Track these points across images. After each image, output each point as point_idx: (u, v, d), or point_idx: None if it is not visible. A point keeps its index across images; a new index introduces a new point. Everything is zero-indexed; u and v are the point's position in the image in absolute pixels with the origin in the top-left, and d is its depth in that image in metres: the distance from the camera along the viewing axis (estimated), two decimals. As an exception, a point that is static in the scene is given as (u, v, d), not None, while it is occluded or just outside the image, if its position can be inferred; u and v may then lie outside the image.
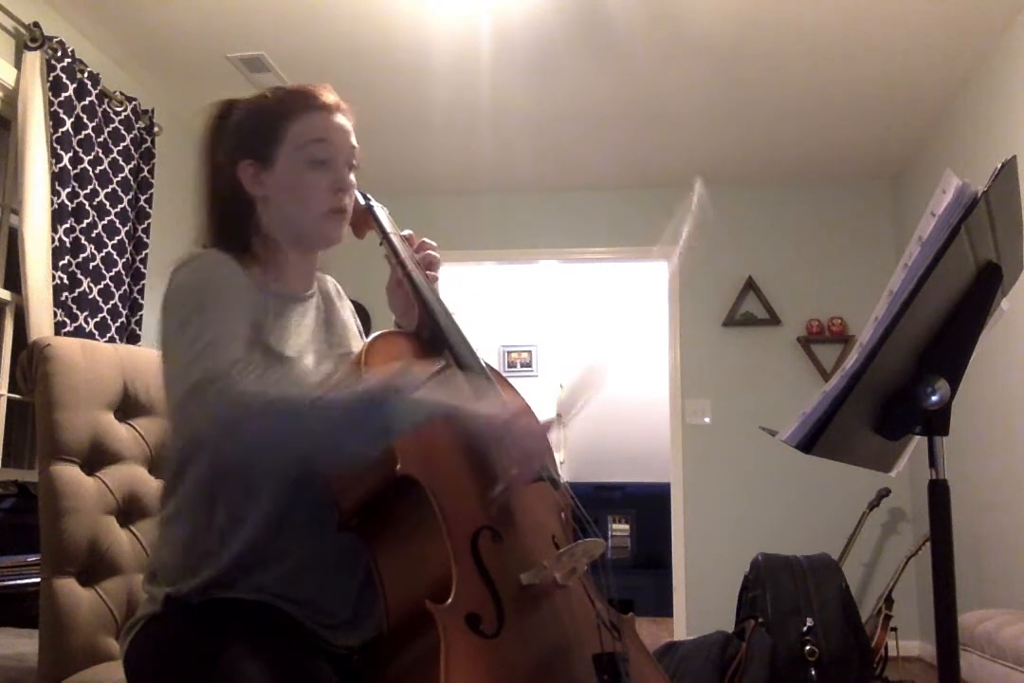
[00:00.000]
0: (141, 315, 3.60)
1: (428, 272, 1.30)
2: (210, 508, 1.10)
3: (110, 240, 3.45)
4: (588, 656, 1.04)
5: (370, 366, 1.06)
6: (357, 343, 1.30)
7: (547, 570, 1.03)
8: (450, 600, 0.92)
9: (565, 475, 1.20)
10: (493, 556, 1.01)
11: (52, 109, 3.15)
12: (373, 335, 1.15)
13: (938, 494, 1.07)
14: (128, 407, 1.48)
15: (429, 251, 1.33)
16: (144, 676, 1.08)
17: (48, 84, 3.15)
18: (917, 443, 1.23)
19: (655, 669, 1.20)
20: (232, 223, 1.21)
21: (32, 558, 2.30)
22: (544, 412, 1.15)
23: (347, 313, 1.35)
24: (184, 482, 1.13)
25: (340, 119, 1.22)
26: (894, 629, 3.75)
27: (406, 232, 1.34)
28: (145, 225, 3.66)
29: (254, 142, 1.20)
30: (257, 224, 1.22)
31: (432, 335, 1.21)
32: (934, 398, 1.04)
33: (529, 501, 1.17)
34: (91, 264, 3.31)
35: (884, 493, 4.38)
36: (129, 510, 1.44)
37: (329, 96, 1.23)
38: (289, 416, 0.95)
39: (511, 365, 7.00)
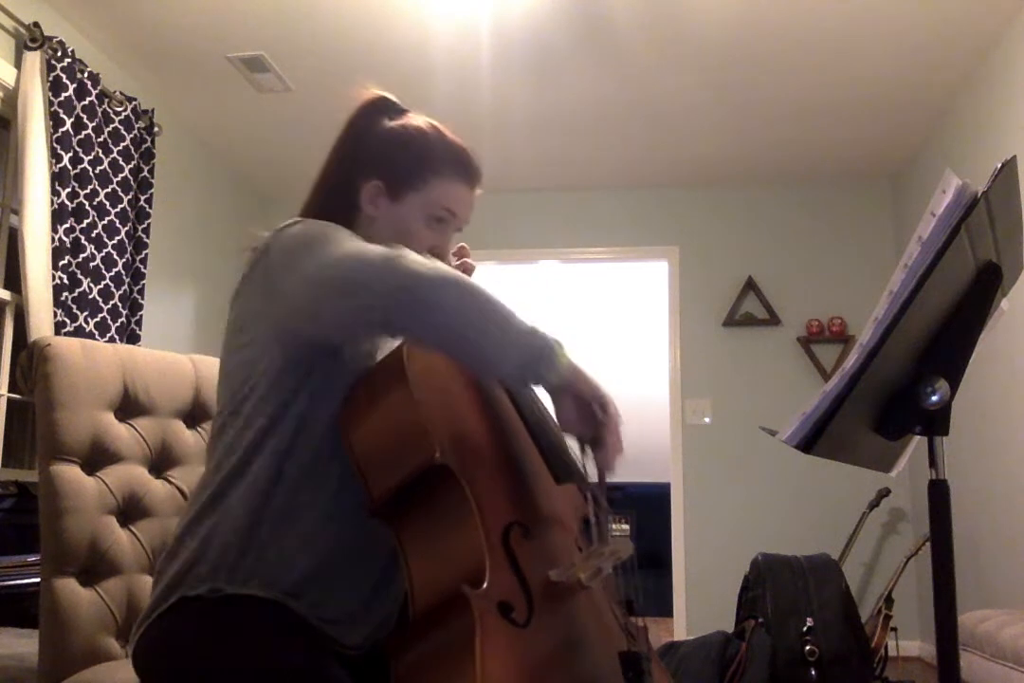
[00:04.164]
0: (141, 315, 3.60)
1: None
2: (230, 507, 1.09)
3: (110, 240, 3.45)
4: (614, 653, 1.04)
5: (410, 369, 1.05)
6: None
7: (576, 568, 1.03)
8: (485, 585, 0.92)
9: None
10: (522, 551, 1.01)
11: (52, 109, 3.15)
12: None
13: (938, 494, 1.07)
14: (128, 407, 1.48)
15: (466, 259, 1.37)
16: (154, 672, 1.07)
17: (48, 84, 3.16)
18: (917, 443, 1.23)
19: (661, 670, 1.21)
20: (334, 215, 1.22)
21: (32, 558, 2.31)
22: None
23: None
24: (231, 477, 1.11)
25: (475, 195, 1.30)
26: (894, 629, 3.75)
27: None
28: (145, 225, 3.67)
29: (393, 174, 1.25)
30: (354, 226, 1.23)
31: None
32: (934, 398, 1.04)
33: (556, 501, 1.17)
34: (91, 264, 3.31)
35: (884, 493, 4.38)
36: (129, 510, 1.44)
37: (479, 169, 1.31)
38: (466, 294, 0.98)
39: (511, 365, 7.01)
